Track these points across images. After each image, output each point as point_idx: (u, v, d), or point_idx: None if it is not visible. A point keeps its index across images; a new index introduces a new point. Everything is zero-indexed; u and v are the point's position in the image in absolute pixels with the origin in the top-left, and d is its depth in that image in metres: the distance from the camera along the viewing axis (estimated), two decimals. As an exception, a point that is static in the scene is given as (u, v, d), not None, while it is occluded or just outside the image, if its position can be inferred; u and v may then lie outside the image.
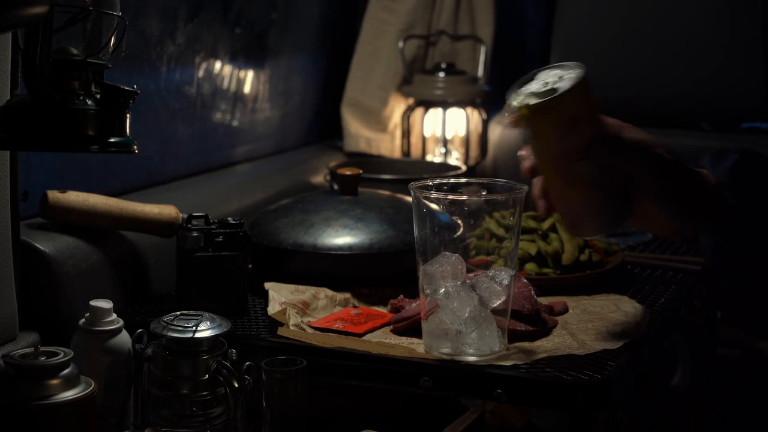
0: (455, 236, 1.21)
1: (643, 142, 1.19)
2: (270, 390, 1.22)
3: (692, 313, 1.57)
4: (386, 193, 1.64)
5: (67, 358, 1.10)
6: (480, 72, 2.21)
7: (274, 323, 1.34)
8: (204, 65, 1.80)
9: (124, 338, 1.25)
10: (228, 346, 1.21)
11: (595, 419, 1.21)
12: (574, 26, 2.28)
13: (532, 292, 1.34)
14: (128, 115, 1.11)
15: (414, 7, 2.18)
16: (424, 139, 2.18)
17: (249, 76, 1.95)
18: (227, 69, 1.87)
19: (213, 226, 1.40)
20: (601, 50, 2.24)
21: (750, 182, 1.24)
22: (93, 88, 1.09)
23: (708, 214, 1.24)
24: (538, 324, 1.31)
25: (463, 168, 1.98)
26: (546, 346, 1.27)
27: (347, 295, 1.44)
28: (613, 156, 1.18)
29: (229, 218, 1.41)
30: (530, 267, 1.51)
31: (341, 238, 1.48)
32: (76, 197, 1.38)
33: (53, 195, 1.36)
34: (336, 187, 1.64)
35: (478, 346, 1.21)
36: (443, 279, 1.21)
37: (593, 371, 1.18)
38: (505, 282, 1.21)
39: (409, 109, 2.19)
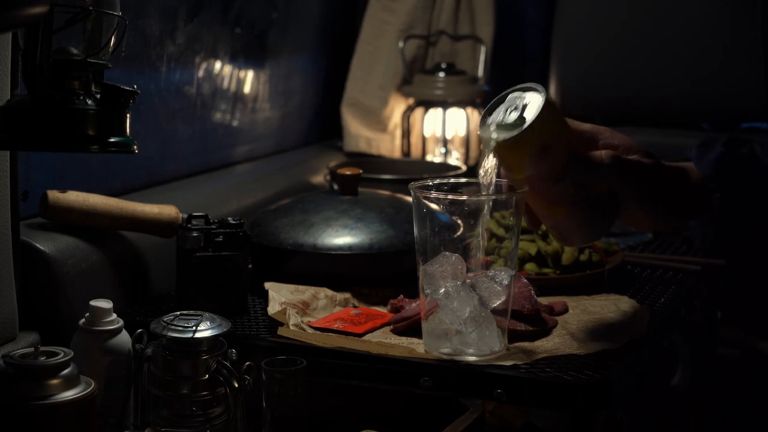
0: (455, 236, 1.21)
1: (616, 150, 1.20)
2: (270, 390, 1.22)
3: (692, 313, 1.56)
4: (386, 193, 1.64)
5: (67, 358, 1.10)
6: (480, 72, 2.21)
7: (274, 323, 1.33)
8: (204, 65, 1.80)
9: (124, 338, 1.25)
10: (228, 346, 1.21)
11: (595, 419, 1.21)
12: (574, 26, 2.28)
13: (532, 292, 1.34)
14: (128, 115, 1.10)
15: (414, 7, 2.18)
16: (424, 139, 2.18)
17: (249, 76, 1.95)
18: (227, 69, 1.87)
19: (213, 226, 1.40)
20: (601, 50, 2.24)
21: (735, 174, 1.24)
22: (93, 88, 1.09)
23: (694, 210, 1.25)
24: (538, 324, 1.31)
25: (463, 168, 1.98)
26: (546, 346, 1.27)
27: (347, 295, 1.44)
28: (588, 174, 1.20)
29: (229, 218, 1.41)
30: (530, 267, 1.51)
31: (341, 238, 1.48)
32: (76, 197, 1.38)
33: (53, 195, 1.36)
34: (336, 187, 1.64)
35: (478, 346, 1.21)
36: (443, 279, 1.21)
37: (593, 371, 1.18)
38: (505, 282, 1.21)
39: (409, 109, 2.19)
